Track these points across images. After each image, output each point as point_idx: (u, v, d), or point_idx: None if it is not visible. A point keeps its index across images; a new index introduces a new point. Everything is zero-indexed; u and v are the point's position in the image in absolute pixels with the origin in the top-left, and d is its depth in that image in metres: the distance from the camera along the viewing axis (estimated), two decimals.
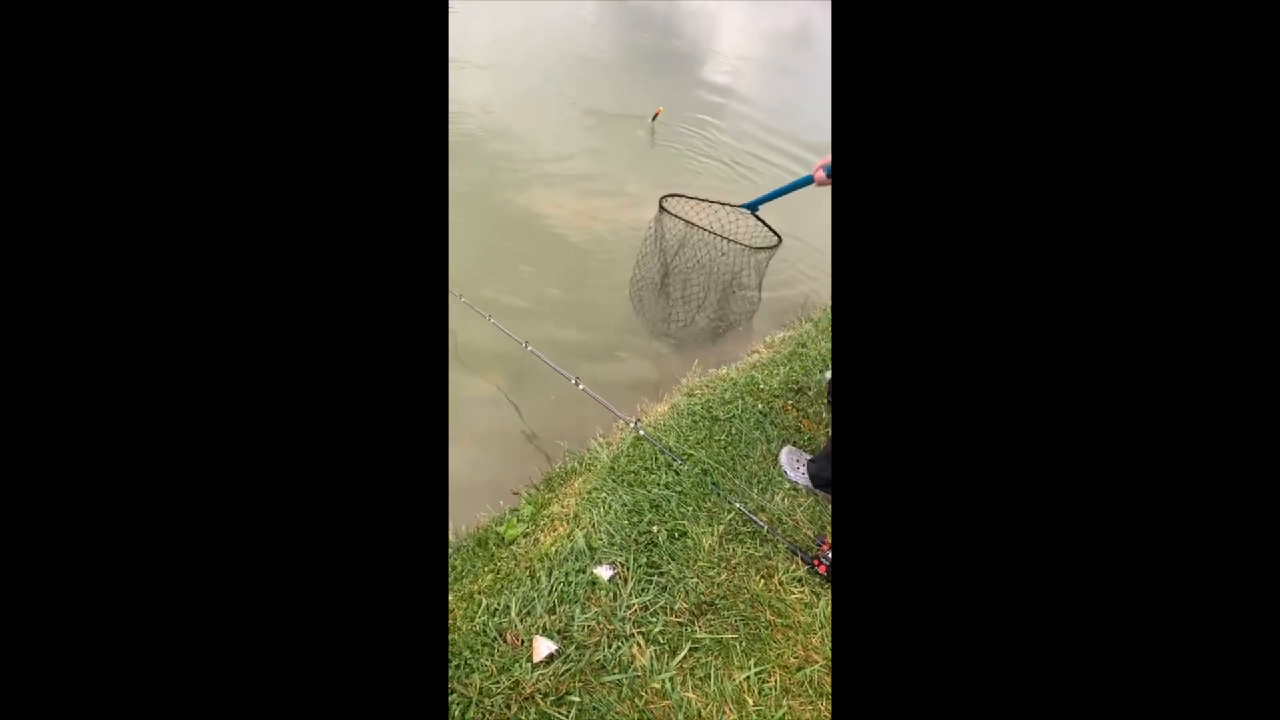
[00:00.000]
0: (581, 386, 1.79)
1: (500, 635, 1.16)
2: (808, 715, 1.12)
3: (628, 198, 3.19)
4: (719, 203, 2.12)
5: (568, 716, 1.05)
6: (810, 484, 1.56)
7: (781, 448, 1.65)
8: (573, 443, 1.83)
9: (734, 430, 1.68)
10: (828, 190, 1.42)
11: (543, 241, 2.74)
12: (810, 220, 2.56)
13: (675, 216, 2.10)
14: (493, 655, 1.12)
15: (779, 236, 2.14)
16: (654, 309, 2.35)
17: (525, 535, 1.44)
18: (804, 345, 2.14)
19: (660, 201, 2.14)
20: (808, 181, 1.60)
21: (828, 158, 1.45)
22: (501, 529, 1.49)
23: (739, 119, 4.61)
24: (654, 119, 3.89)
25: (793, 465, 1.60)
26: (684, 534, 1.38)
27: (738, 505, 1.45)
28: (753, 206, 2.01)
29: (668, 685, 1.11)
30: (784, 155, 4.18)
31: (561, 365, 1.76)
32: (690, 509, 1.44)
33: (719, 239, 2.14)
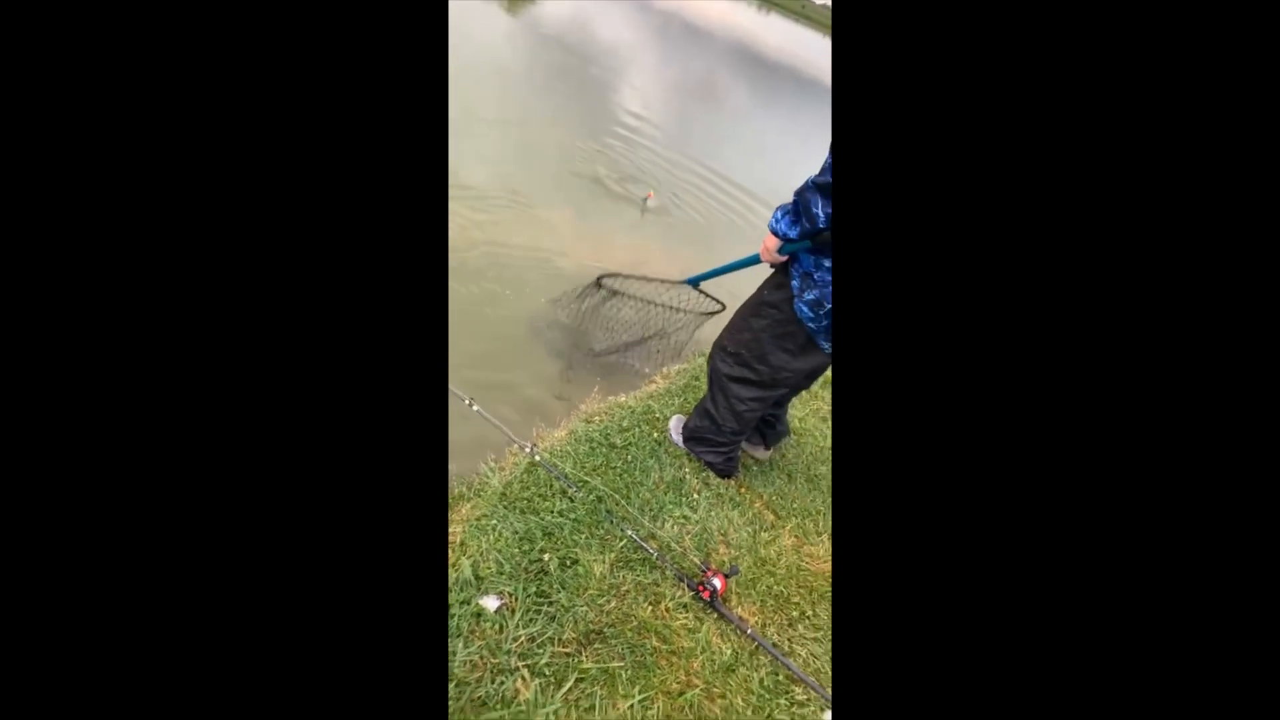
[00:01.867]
0: (476, 408, 1.73)
1: None
2: None
3: (531, 216, 3.19)
4: (659, 280, 2.15)
5: None
6: (681, 440, 1.79)
7: (671, 417, 1.89)
8: (461, 467, 1.75)
9: (630, 457, 1.71)
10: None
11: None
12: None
13: (617, 293, 2.17)
14: None
15: (722, 304, 2.17)
16: (566, 334, 2.36)
17: None
18: (697, 378, 2.26)
19: (598, 280, 2.19)
20: (755, 260, 1.49)
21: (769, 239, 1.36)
22: None
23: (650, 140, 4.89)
24: (645, 201, 3.82)
25: (676, 429, 1.82)
26: (576, 561, 1.37)
27: (629, 533, 1.47)
28: (694, 282, 1.97)
29: (550, 719, 1.09)
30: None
31: (452, 383, 1.70)
32: (583, 536, 1.44)
33: (663, 309, 2.20)
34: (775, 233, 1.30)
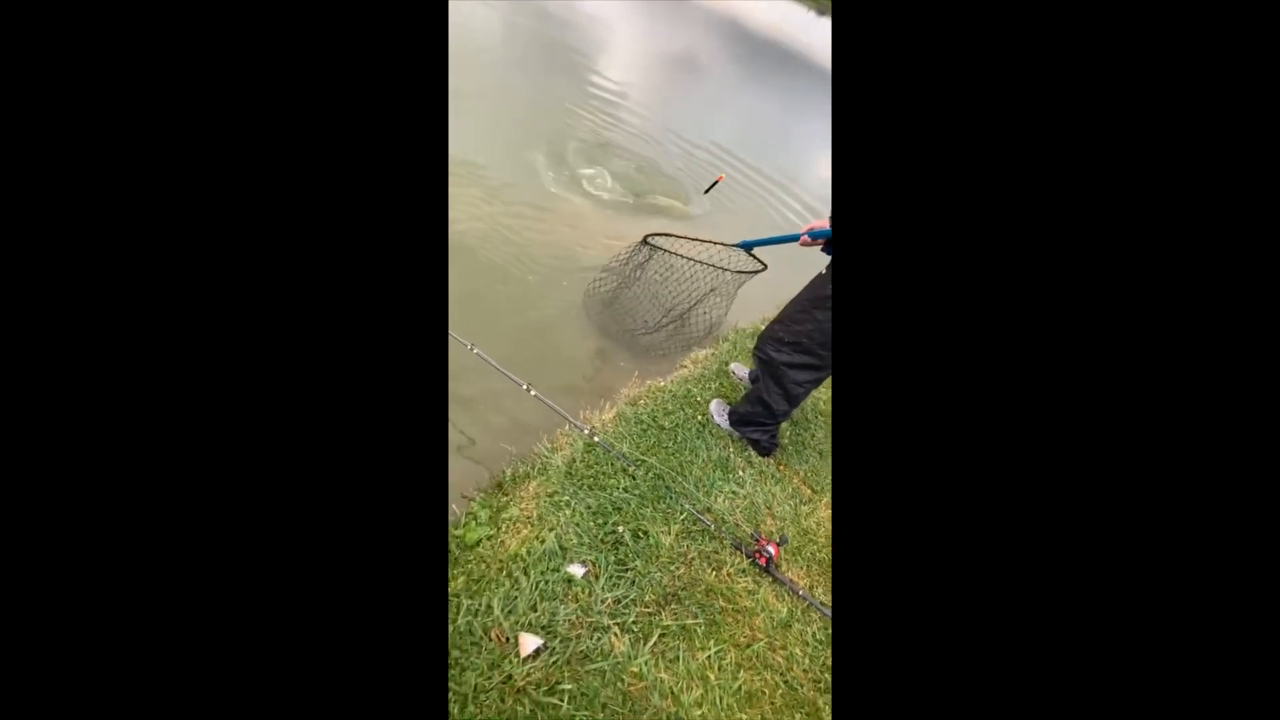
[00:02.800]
0: (534, 393, 1.84)
1: (486, 634, 1.20)
2: (758, 683, 1.31)
3: (544, 209, 3.25)
4: (711, 241, 2.25)
5: (562, 704, 1.13)
6: (730, 425, 1.95)
7: (711, 400, 2.06)
8: (519, 448, 1.87)
9: (680, 439, 1.85)
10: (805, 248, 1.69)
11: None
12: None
13: (666, 251, 2.26)
14: (480, 653, 1.16)
15: (764, 264, 2.29)
16: (612, 316, 2.46)
17: (489, 539, 1.47)
18: (726, 364, 2.39)
19: (646, 238, 2.27)
20: (794, 238, 1.72)
21: (816, 223, 1.63)
22: (459, 533, 1.50)
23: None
24: (712, 187, 3.66)
25: (720, 413, 2.00)
26: (646, 533, 1.51)
27: (688, 507, 1.62)
28: (747, 246, 2.15)
29: (644, 668, 1.24)
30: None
31: (508, 369, 1.81)
32: (648, 510, 1.58)
33: (708, 268, 2.28)
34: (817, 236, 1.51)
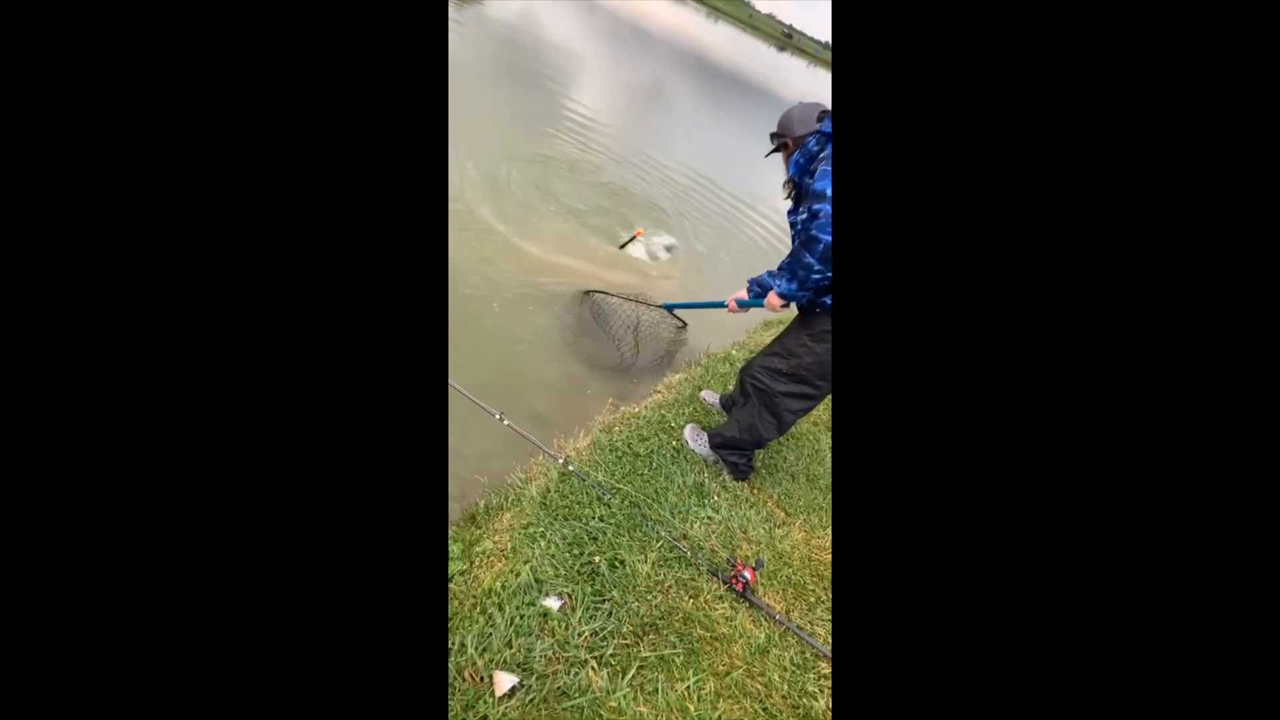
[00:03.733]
0: (506, 422, 1.83)
1: (459, 674, 1.16)
2: (737, 712, 1.31)
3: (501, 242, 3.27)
4: (635, 300, 2.57)
5: None
6: (710, 449, 1.97)
7: (685, 426, 2.08)
8: (492, 480, 1.84)
9: (655, 464, 1.86)
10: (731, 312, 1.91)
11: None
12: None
13: (600, 293, 2.58)
14: (454, 694, 1.13)
15: (684, 322, 2.59)
16: (580, 346, 2.57)
17: (462, 574, 1.44)
18: (699, 389, 2.42)
19: (584, 294, 2.60)
20: (720, 305, 1.95)
21: (741, 293, 1.82)
22: None
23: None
24: (629, 241, 3.64)
25: (695, 438, 2.03)
26: (622, 562, 1.50)
27: (664, 534, 1.62)
28: (670, 308, 2.45)
29: (623, 702, 1.22)
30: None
31: (481, 398, 1.79)
32: (624, 539, 1.57)
33: (637, 304, 2.55)
34: (780, 293, 1.62)
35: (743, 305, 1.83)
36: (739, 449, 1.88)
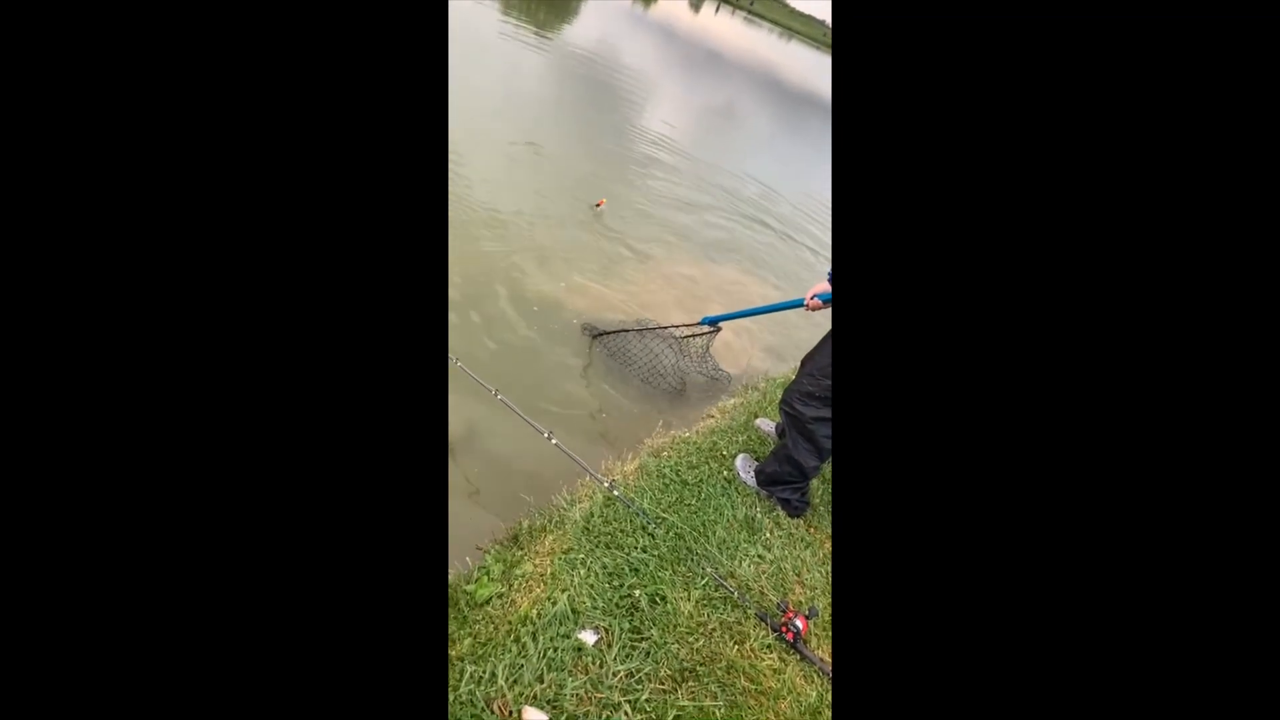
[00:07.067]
0: (554, 441, 1.80)
1: (488, 705, 1.12)
2: None
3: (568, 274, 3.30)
4: (658, 327, 2.51)
5: None
6: (758, 485, 1.82)
7: (737, 455, 1.96)
8: (537, 499, 1.82)
9: (703, 495, 1.77)
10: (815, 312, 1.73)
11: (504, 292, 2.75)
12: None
13: (611, 332, 2.53)
14: None
15: (718, 327, 2.43)
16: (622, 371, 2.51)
17: (499, 596, 1.41)
18: (755, 415, 2.31)
19: (593, 337, 2.56)
20: (798, 304, 1.81)
21: (821, 286, 1.68)
22: (471, 588, 1.44)
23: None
24: (597, 207, 3.86)
25: (746, 469, 1.91)
26: (664, 599, 1.42)
27: (710, 571, 1.52)
28: (712, 321, 2.34)
29: None
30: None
31: (530, 416, 1.78)
32: (667, 573, 1.49)
33: (658, 334, 2.49)
34: (820, 295, 1.55)
35: (825, 300, 1.68)
36: (787, 483, 1.76)
